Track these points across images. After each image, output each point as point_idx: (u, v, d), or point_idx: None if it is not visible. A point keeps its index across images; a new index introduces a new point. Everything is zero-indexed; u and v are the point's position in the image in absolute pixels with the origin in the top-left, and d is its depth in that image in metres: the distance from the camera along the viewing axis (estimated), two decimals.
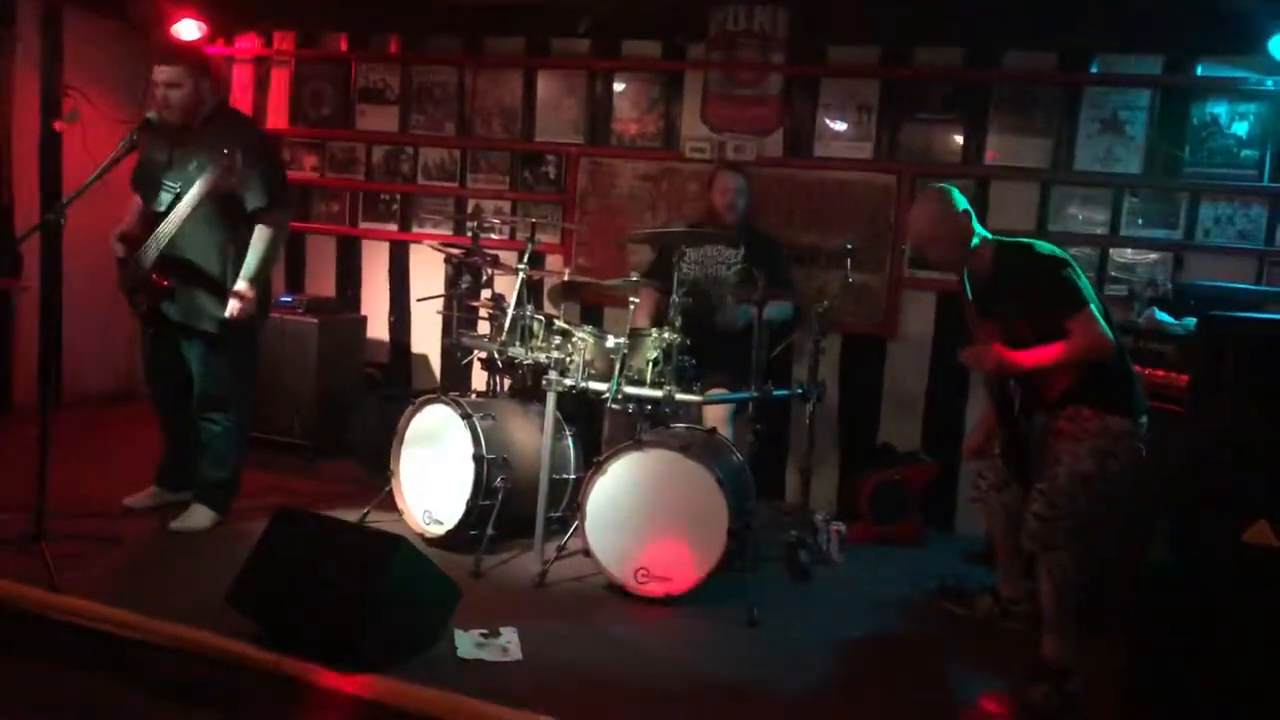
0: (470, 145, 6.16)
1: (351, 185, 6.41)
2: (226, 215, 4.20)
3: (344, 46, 6.41)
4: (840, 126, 5.52)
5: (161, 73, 4.15)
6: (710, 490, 3.87)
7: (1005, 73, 5.28)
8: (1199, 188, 5.03)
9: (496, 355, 4.55)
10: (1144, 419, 3.45)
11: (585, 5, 5.58)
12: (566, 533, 4.24)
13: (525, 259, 4.57)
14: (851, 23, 5.39)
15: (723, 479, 3.88)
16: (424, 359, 6.38)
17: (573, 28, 5.71)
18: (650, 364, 4.17)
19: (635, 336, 4.22)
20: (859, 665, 3.63)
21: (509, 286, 4.66)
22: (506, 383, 4.93)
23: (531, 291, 4.65)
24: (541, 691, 3.12)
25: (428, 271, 6.13)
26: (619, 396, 4.14)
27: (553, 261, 5.99)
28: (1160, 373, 4.05)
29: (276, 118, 6.48)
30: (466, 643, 3.41)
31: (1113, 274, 5.12)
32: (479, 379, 5.26)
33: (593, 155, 5.92)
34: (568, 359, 4.29)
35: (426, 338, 6.32)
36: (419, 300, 5.96)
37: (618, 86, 5.88)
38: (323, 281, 6.52)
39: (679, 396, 4.10)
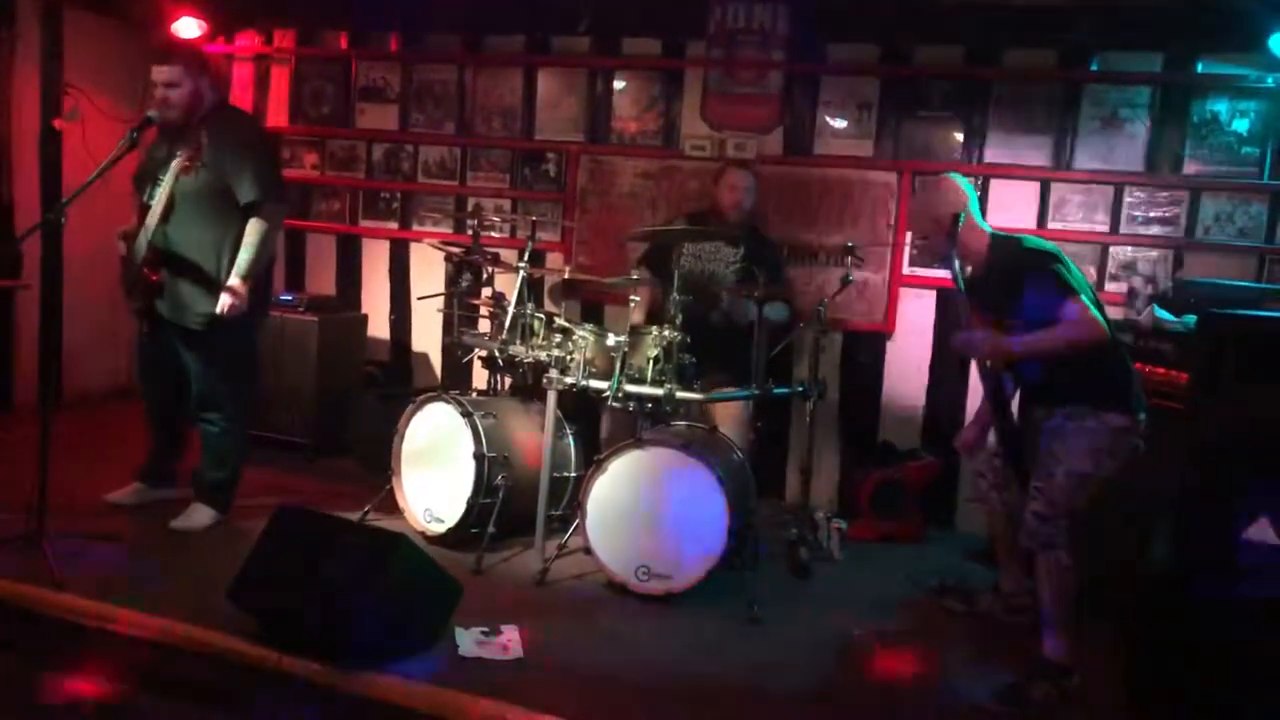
0: (470, 143, 6.16)
1: (352, 183, 6.41)
2: (220, 211, 4.19)
3: (344, 44, 6.41)
4: (840, 124, 5.52)
5: (160, 72, 4.15)
6: (711, 488, 3.87)
7: (1005, 70, 5.28)
8: (1199, 185, 5.02)
9: (497, 353, 4.55)
10: (1142, 415, 3.45)
11: (585, 3, 5.57)
12: (567, 531, 4.25)
13: (525, 257, 4.58)
14: (851, 20, 5.38)
15: (723, 477, 3.88)
16: (424, 357, 6.38)
17: (573, 26, 5.70)
18: (651, 362, 4.17)
19: (636, 335, 4.22)
20: (860, 663, 3.63)
21: (509, 284, 4.67)
22: (507, 381, 4.93)
23: (532, 289, 4.66)
24: (542, 689, 3.13)
25: (428, 270, 6.13)
26: (619, 395, 4.14)
27: (553, 259, 5.99)
28: (1160, 370, 4.05)
29: (277, 116, 6.48)
30: (467, 640, 3.42)
31: (1113, 272, 5.11)
32: (480, 377, 5.27)
33: (593, 153, 5.91)
34: (568, 357, 4.29)
35: (427, 336, 6.32)
36: (419, 298, 5.96)
37: (618, 84, 5.88)
38: (323, 280, 6.52)
39: (679, 395, 4.10)
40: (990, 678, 3.45)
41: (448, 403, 4.41)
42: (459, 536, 4.31)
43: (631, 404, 4.22)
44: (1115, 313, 4.30)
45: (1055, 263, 3.39)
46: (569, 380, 4.23)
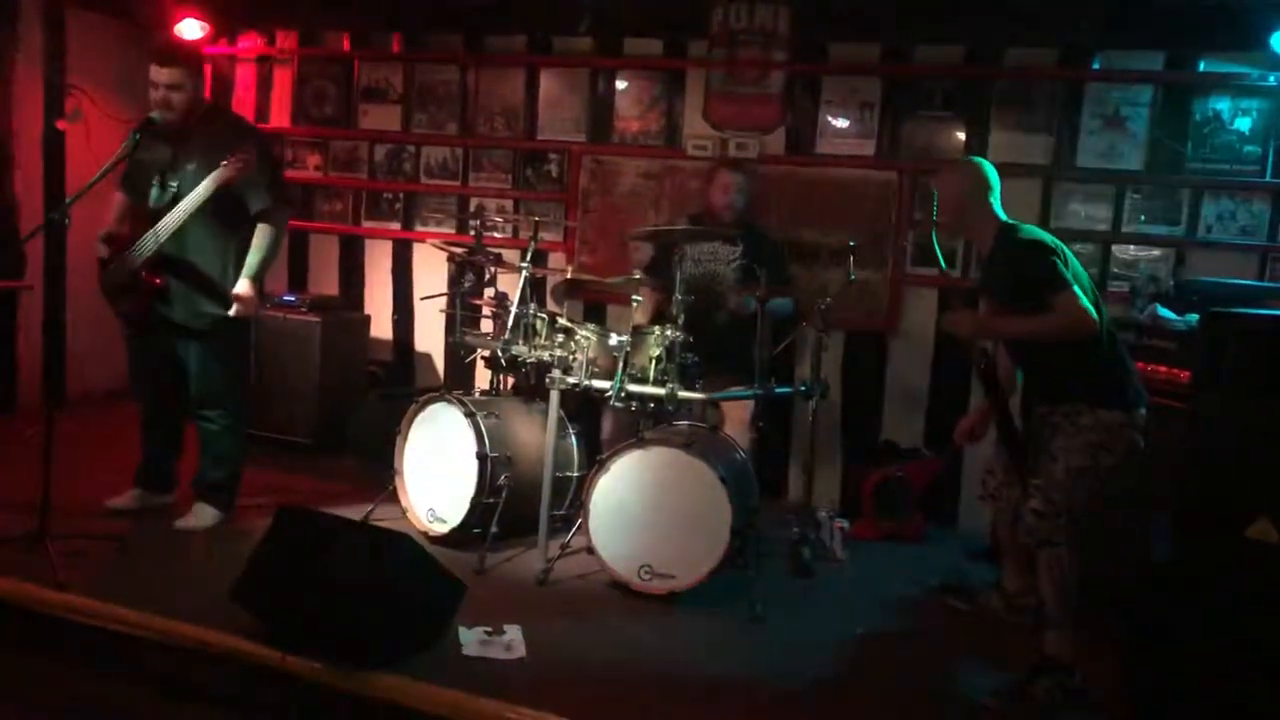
0: (472, 144, 6.17)
1: (354, 184, 6.42)
2: (229, 215, 4.20)
3: (346, 45, 6.42)
4: (842, 124, 5.52)
5: (164, 74, 4.15)
6: (713, 488, 3.87)
7: (1007, 69, 5.28)
8: (1201, 184, 5.02)
9: (500, 353, 4.55)
10: (1141, 410, 3.45)
11: (587, 3, 5.58)
12: (570, 531, 4.25)
13: (528, 257, 4.58)
14: (853, 20, 5.39)
15: (725, 476, 3.88)
16: (427, 357, 6.39)
17: (574, 26, 5.71)
18: (653, 362, 4.17)
19: (638, 334, 4.22)
20: (862, 661, 3.63)
21: (512, 285, 4.67)
22: (510, 381, 4.94)
23: (534, 289, 4.66)
24: (545, 689, 3.13)
25: (431, 270, 6.14)
26: (622, 394, 4.14)
27: (555, 259, 6.00)
28: (1162, 369, 4.05)
29: (279, 117, 6.50)
30: (470, 640, 3.42)
31: (1115, 270, 5.11)
32: (482, 377, 5.27)
33: (595, 153, 5.92)
34: (571, 357, 4.29)
35: (430, 336, 6.32)
36: (422, 299, 5.96)
37: (620, 84, 5.89)
38: (326, 280, 6.53)
39: (681, 394, 4.11)
40: (992, 675, 3.45)
41: (451, 403, 4.41)
42: (462, 536, 4.32)
43: (634, 404, 4.22)
44: (1117, 312, 4.29)
45: (1051, 254, 3.38)
46: (571, 380, 4.23)
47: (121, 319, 4.42)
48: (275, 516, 3.56)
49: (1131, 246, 5.12)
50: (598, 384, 4.21)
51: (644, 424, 4.25)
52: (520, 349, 4.46)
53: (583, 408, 4.73)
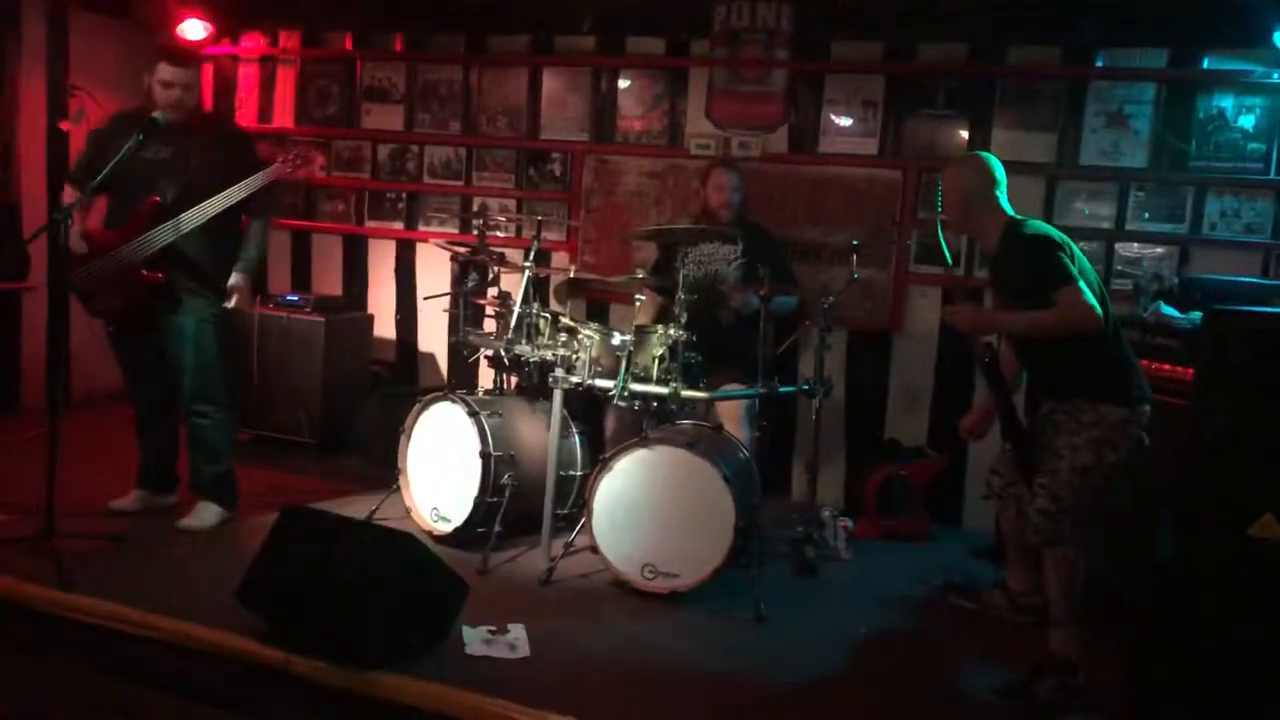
0: (475, 143, 6.17)
1: (357, 184, 6.42)
2: (226, 211, 4.22)
3: (349, 45, 6.42)
4: (845, 122, 5.52)
5: (177, 74, 4.18)
6: (717, 487, 3.87)
7: (1010, 67, 5.27)
8: (1205, 181, 5.01)
9: (503, 353, 4.55)
10: (1145, 407, 3.43)
11: (589, 2, 5.58)
12: (573, 530, 4.25)
13: (531, 256, 4.58)
14: (856, 18, 5.39)
15: (729, 476, 3.88)
16: (431, 357, 6.39)
17: (577, 25, 5.71)
18: (656, 361, 4.17)
19: (641, 334, 4.22)
20: (866, 660, 3.64)
21: (515, 284, 4.67)
22: (513, 380, 4.94)
23: (537, 289, 4.67)
24: (549, 688, 3.13)
25: (434, 269, 6.14)
26: (625, 394, 4.14)
27: (558, 259, 6.00)
28: (1166, 367, 4.05)
29: (282, 117, 6.50)
30: (474, 639, 3.42)
31: (1118, 268, 5.10)
32: (486, 377, 5.27)
33: (598, 152, 5.92)
34: (574, 356, 4.30)
35: (433, 336, 6.33)
36: (425, 298, 5.97)
37: (622, 83, 5.88)
38: (329, 280, 6.54)
39: (685, 393, 4.11)
40: (996, 674, 3.45)
41: (454, 402, 4.42)
42: (465, 535, 4.32)
43: (637, 403, 4.22)
44: (1121, 310, 4.28)
45: (1057, 249, 3.36)
46: (575, 379, 4.23)
47: (99, 316, 4.37)
48: (279, 516, 3.57)
49: (1135, 244, 5.10)
50: (601, 383, 4.21)
51: (647, 423, 4.25)
52: (523, 348, 4.47)
53: (586, 407, 4.73)
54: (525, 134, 6.06)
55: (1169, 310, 4.33)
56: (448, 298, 5.20)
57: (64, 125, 6.17)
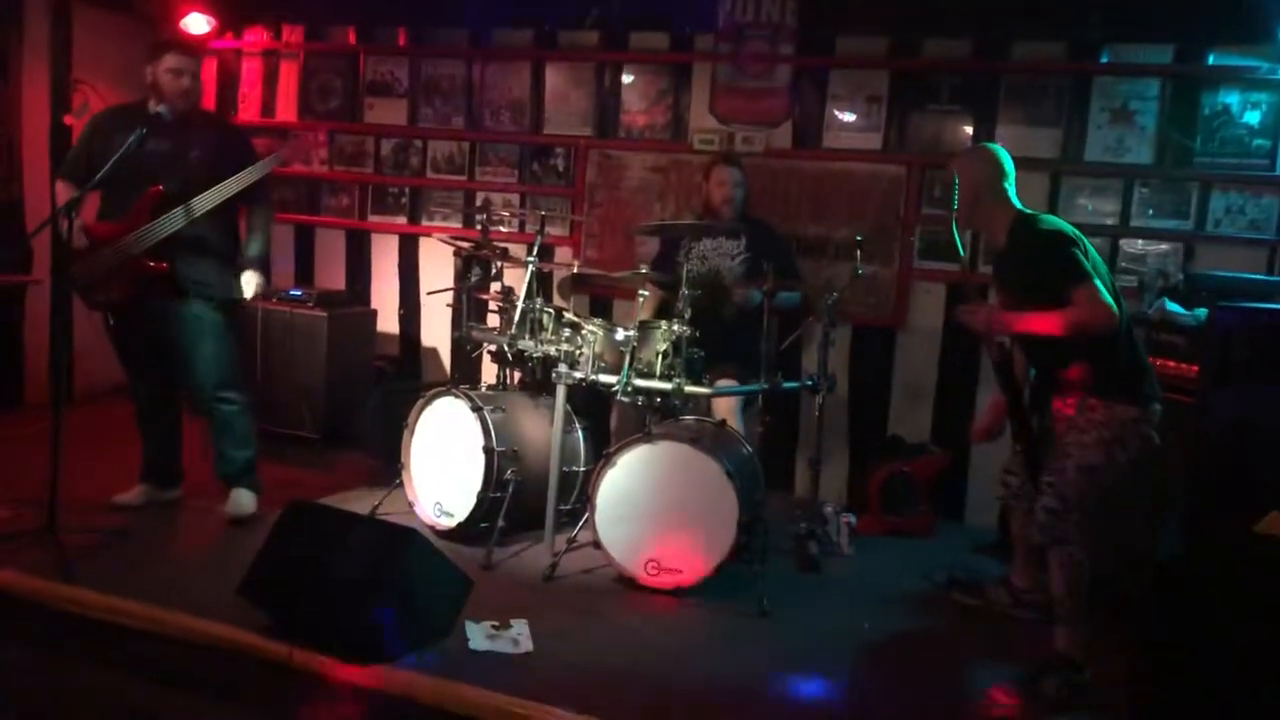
0: (479, 138, 6.17)
1: (360, 178, 6.42)
2: (226, 201, 4.23)
3: (352, 39, 6.42)
4: (849, 117, 5.51)
5: (187, 62, 4.23)
6: (720, 482, 3.87)
7: (1015, 63, 5.26)
8: (1210, 178, 5.00)
9: (506, 348, 4.55)
10: (1156, 406, 3.41)
11: None
12: (576, 525, 4.25)
13: (534, 251, 4.57)
14: (860, 13, 5.38)
15: (732, 471, 3.88)
16: (434, 352, 6.39)
17: (580, 20, 5.70)
18: (660, 356, 4.17)
19: (645, 329, 4.22)
20: (869, 656, 3.63)
21: (518, 279, 4.67)
22: (516, 375, 4.94)
23: (541, 284, 4.66)
24: (552, 683, 3.13)
25: (437, 264, 6.14)
26: (629, 389, 4.14)
27: (562, 254, 5.99)
28: (1171, 363, 4.04)
29: (285, 111, 6.50)
30: (477, 635, 3.42)
31: (1123, 265, 5.09)
32: (489, 372, 5.27)
33: (601, 147, 5.91)
34: (577, 352, 4.29)
35: (436, 330, 6.33)
36: (429, 293, 5.97)
37: (626, 79, 5.88)
38: (332, 275, 6.54)
39: (688, 389, 4.10)
40: (1000, 671, 3.45)
41: (457, 397, 4.41)
42: (469, 531, 4.32)
43: (640, 398, 4.22)
44: (1126, 306, 4.28)
45: (1072, 245, 3.33)
46: (578, 375, 4.23)
47: (101, 309, 4.35)
48: (282, 511, 3.57)
49: (1140, 240, 5.09)
50: (604, 378, 4.21)
51: (651, 419, 4.25)
52: (527, 343, 4.46)
53: (589, 402, 4.73)
54: (529, 129, 6.06)
55: (1174, 307, 4.32)
56: (451, 293, 5.19)
57: (68, 119, 6.17)
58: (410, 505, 4.53)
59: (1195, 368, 3.87)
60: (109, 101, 6.29)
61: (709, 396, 4.36)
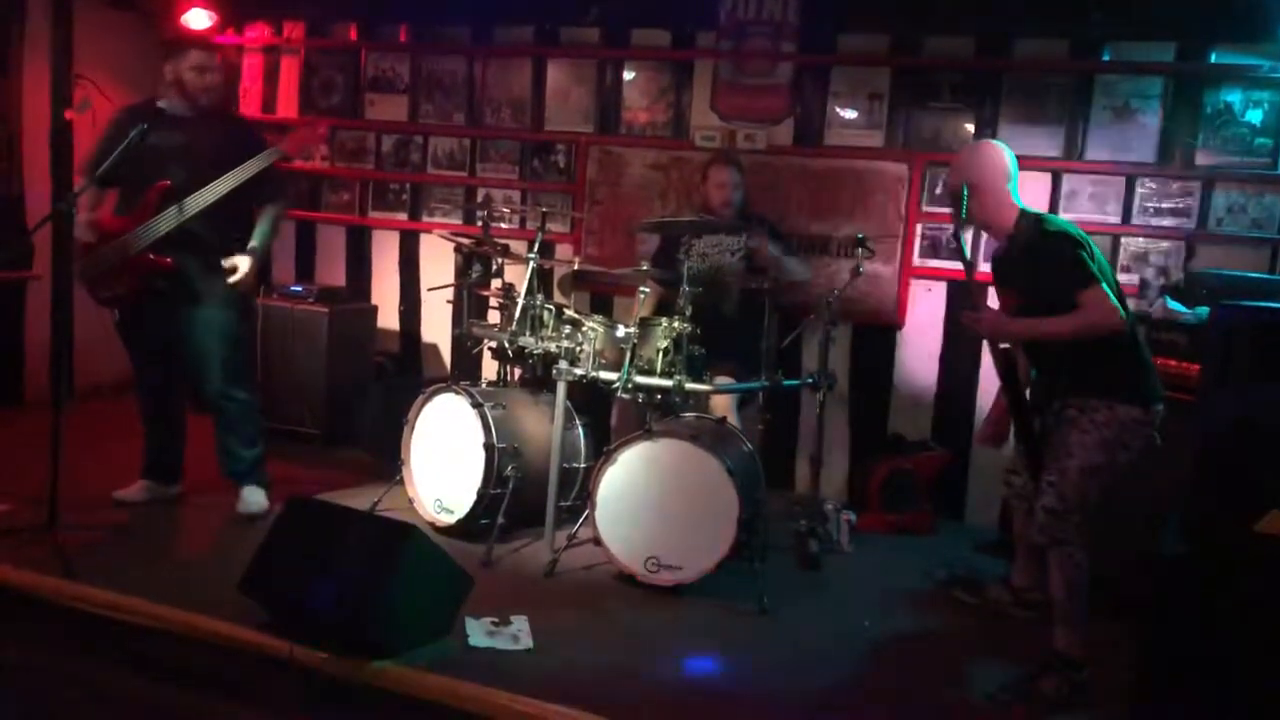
0: (480, 134, 6.16)
1: (361, 175, 6.41)
2: (233, 198, 4.22)
3: (353, 35, 6.41)
4: (851, 115, 5.50)
5: (211, 59, 4.28)
6: (720, 480, 3.87)
7: (1016, 61, 5.25)
8: (1212, 176, 5.00)
9: (507, 344, 4.55)
10: (1159, 406, 3.40)
11: None
12: (577, 522, 4.25)
13: (535, 248, 4.57)
14: (862, 11, 5.37)
15: (733, 468, 3.88)
16: (434, 348, 6.39)
17: (582, 16, 5.70)
18: (660, 353, 4.17)
19: (645, 326, 4.22)
20: (869, 654, 3.63)
21: (519, 276, 4.67)
22: (517, 372, 4.94)
23: (541, 281, 4.66)
24: (552, 680, 3.13)
25: (438, 261, 6.14)
26: (629, 386, 4.14)
27: (562, 251, 5.99)
28: (1172, 362, 4.03)
29: (286, 107, 6.49)
30: (477, 631, 3.43)
31: (1124, 263, 5.08)
32: (489, 368, 5.27)
33: (602, 144, 5.90)
34: (578, 348, 4.29)
35: (437, 327, 6.33)
36: (429, 289, 5.97)
37: (627, 75, 5.87)
38: (333, 271, 6.54)
39: (689, 386, 4.10)
40: (1000, 670, 3.45)
41: (458, 394, 4.41)
42: (469, 527, 4.32)
43: (641, 395, 4.22)
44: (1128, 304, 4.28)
45: (1078, 247, 3.31)
46: (579, 371, 4.24)
47: (108, 304, 4.36)
48: (283, 507, 3.57)
49: (1141, 239, 5.09)
50: (605, 375, 4.21)
51: (651, 416, 4.25)
52: (527, 340, 4.46)
53: (590, 399, 4.73)
54: (530, 125, 6.05)
55: (1175, 305, 4.32)
56: (451, 289, 5.19)
57: (69, 114, 6.17)
58: (410, 501, 4.53)
59: (1196, 366, 3.87)
60: (110, 97, 6.30)
61: (710, 393, 4.35)
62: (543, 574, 4.06)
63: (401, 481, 4.56)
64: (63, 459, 3.86)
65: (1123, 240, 5.11)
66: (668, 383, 4.10)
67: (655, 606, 3.86)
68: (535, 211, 4.83)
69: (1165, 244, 5.05)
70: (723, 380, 4.51)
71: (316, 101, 6.44)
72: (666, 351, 4.16)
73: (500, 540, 4.23)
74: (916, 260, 5.40)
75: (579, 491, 4.50)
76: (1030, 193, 5.13)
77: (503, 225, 5.74)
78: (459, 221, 6.20)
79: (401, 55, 6.29)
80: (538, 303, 4.51)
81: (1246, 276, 4.53)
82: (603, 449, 4.24)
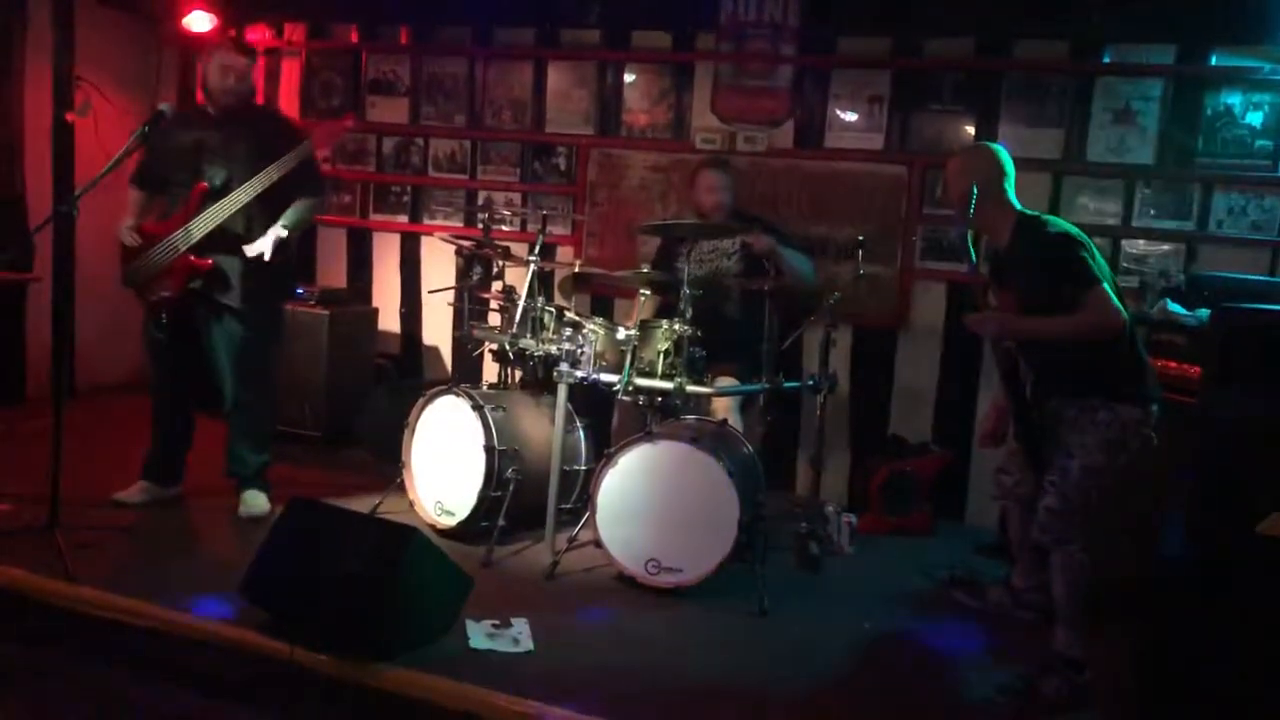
0: (480, 136, 6.17)
1: (362, 177, 6.42)
2: (268, 199, 4.23)
3: (354, 37, 6.42)
4: (851, 117, 5.50)
5: (235, 59, 4.28)
6: (721, 482, 3.87)
7: (1017, 63, 5.26)
8: (1212, 178, 5.00)
9: (507, 347, 4.55)
10: (1155, 407, 3.41)
11: None
12: (577, 524, 4.25)
13: (536, 250, 4.57)
14: (862, 13, 5.38)
15: (733, 470, 3.88)
16: (435, 350, 6.40)
17: (583, 18, 5.70)
18: (661, 355, 4.17)
19: (646, 328, 4.22)
20: (870, 656, 3.63)
21: (520, 278, 4.67)
22: (518, 374, 4.94)
23: (542, 283, 4.66)
24: (552, 682, 3.13)
25: (439, 263, 6.14)
26: (630, 388, 4.14)
27: (563, 253, 5.99)
28: (1173, 364, 4.04)
29: (287, 109, 6.48)
30: (478, 633, 3.42)
31: (1125, 265, 5.08)
32: (490, 370, 5.28)
33: (603, 146, 5.91)
34: (579, 351, 4.29)
35: (438, 329, 6.33)
36: (430, 292, 5.97)
37: (628, 77, 5.88)
38: (334, 273, 6.54)
39: (690, 388, 4.10)
40: (1000, 671, 3.45)
41: (458, 396, 4.41)
42: (469, 529, 4.32)
43: (642, 398, 4.22)
44: (1128, 306, 4.28)
45: (1080, 248, 3.32)
46: (579, 374, 4.23)
47: (155, 308, 4.35)
48: (284, 509, 3.57)
49: (1141, 241, 5.09)
50: (606, 378, 4.21)
51: (652, 418, 4.25)
52: (528, 342, 4.46)
53: (591, 401, 4.73)
54: (530, 128, 6.06)
55: (1175, 307, 4.32)
56: (452, 291, 5.19)
57: (69, 117, 6.17)
58: (411, 504, 4.53)
59: (1197, 368, 3.87)
60: (111, 100, 6.32)
61: (710, 395, 4.35)
62: (543, 576, 4.06)
63: (402, 483, 4.55)
64: (63, 459, 3.85)
65: (1123, 242, 5.11)
66: (668, 385, 4.10)
67: (656, 609, 3.86)
68: (536, 214, 4.84)
69: (1165, 246, 5.05)
70: (724, 382, 4.52)
71: (317, 103, 6.45)
72: (667, 354, 4.16)
73: (501, 542, 4.23)
74: (917, 262, 5.40)
75: (580, 494, 4.50)
76: (1030, 195, 5.13)
77: (503, 227, 5.74)
78: (460, 224, 6.21)
79: (402, 57, 6.30)
80: (538, 305, 4.51)
81: (1247, 279, 4.53)
82: (603, 451, 4.24)
